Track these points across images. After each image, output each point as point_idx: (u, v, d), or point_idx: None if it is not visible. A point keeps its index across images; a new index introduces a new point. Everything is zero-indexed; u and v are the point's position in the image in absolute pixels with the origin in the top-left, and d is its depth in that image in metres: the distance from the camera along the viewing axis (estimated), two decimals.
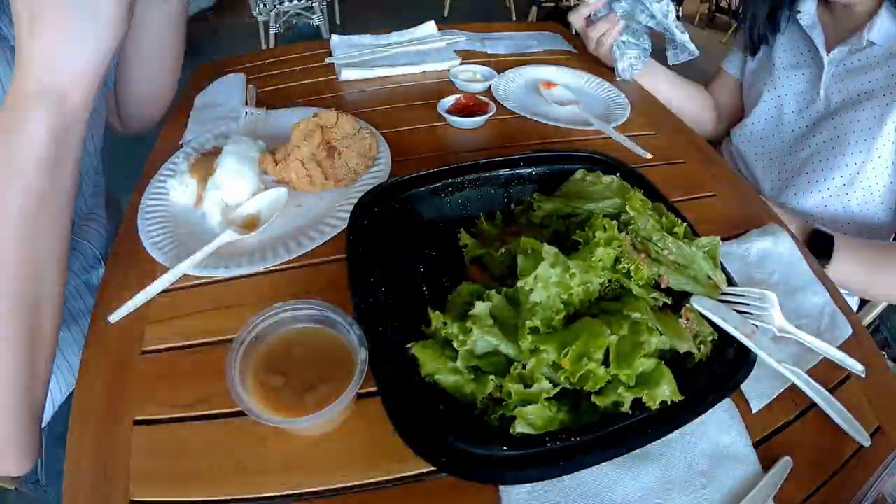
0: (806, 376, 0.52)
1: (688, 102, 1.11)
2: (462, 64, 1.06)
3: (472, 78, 1.01)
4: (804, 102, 0.93)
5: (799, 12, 0.91)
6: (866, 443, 0.49)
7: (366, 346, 0.46)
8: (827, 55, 0.88)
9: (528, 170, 0.65)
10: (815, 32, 0.89)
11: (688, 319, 0.50)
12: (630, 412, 0.43)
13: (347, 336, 0.48)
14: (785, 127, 0.96)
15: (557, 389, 0.44)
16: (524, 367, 0.44)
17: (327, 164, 0.72)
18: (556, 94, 0.98)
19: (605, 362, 0.44)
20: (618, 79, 1.04)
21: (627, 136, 0.88)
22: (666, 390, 0.43)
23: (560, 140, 0.87)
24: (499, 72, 1.02)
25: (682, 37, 1.00)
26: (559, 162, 0.65)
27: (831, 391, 0.52)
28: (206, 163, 0.75)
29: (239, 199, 0.70)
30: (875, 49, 0.82)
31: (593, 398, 0.44)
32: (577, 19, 1.03)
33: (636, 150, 0.84)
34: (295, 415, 0.44)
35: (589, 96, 1.00)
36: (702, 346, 0.49)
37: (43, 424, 0.76)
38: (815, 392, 0.52)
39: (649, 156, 0.83)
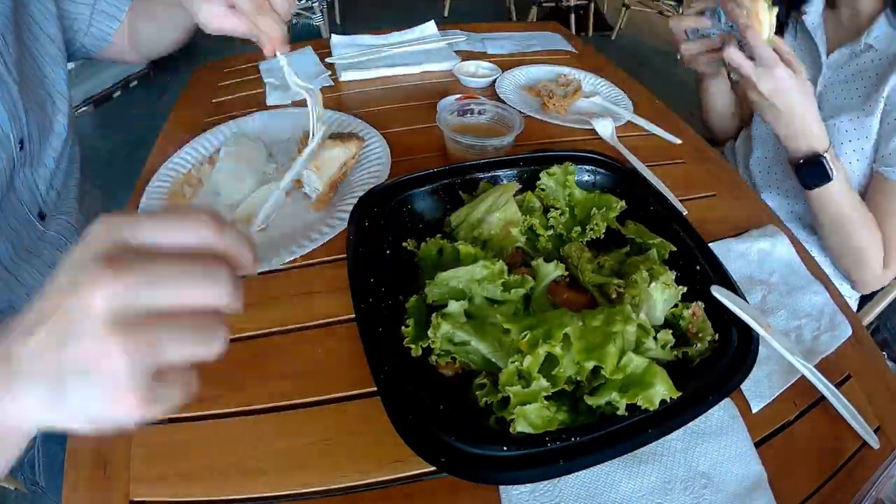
0: (818, 372, 0.52)
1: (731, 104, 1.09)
2: (465, 60, 1.07)
3: (475, 73, 1.02)
4: None
5: (805, 13, 0.91)
6: (875, 444, 0.49)
7: None
8: (826, 58, 0.88)
9: (529, 169, 0.65)
10: (818, 34, 0.89)
11: (694, 314, 0.50)
12: (627, 413, 0.43)
13: None
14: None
15: (556, 388, 0.44)
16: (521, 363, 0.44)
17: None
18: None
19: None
20: None
21: (629, 135, 0.88)
22: (661, 390, 0.42)
23: (562, 140, 0.87)
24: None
25: None
26: (560, 162, 0.65)
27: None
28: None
29: (238, 199, 0.70)
30: (870, 54, 0.82)
31: (585, 398, 0.44)
32: (676, 27, 0.88)
33: (666, 137, 0.88)
34: None
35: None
36: (698, 344, 0.49)
37: None
38: (826, 388, 0.51)
39: (678, 140, 0.88)
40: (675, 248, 0.57)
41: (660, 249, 0.57)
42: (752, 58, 0.69)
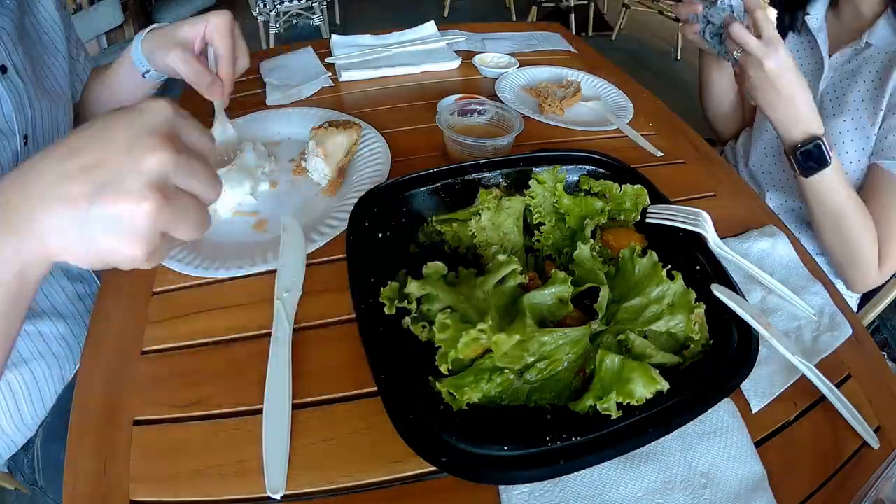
0: (817, 371, 0.52)
1: (731, 93, 1.08)
2: (482, 53, 1.08)
3: (497, 64, 1.04)
4: None
5: (808, 14, 0.92)
6: (875, 444, 0.49)
7: None
8: (829, 59, 0.88)
9: (529, 169, 0.65)
10: (821, 35, 0.90)
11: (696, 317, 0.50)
12: (622, 413, 0.42)
13: None
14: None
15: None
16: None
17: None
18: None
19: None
20: None
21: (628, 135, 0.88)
22: (640, 387, 0.42)
23: (561, 140, 0.87)
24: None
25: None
26: (560, 162, 0.65)
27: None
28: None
29: (237, 202, 0.71)
30: (870, 51, 0.83)
31: (570, 406, 0.44)
32: (681, 13, 0.91)
33: (648, 148, 0.86)
34: None
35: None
36: (691, 346, 0.49)
37: (38, 421, 0.76)
38: (826, 388, 0.51)
39: (660, 154, 0.86)
40: (648, 195, 0.60)
41: (637, 200, 0.59)
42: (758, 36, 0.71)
